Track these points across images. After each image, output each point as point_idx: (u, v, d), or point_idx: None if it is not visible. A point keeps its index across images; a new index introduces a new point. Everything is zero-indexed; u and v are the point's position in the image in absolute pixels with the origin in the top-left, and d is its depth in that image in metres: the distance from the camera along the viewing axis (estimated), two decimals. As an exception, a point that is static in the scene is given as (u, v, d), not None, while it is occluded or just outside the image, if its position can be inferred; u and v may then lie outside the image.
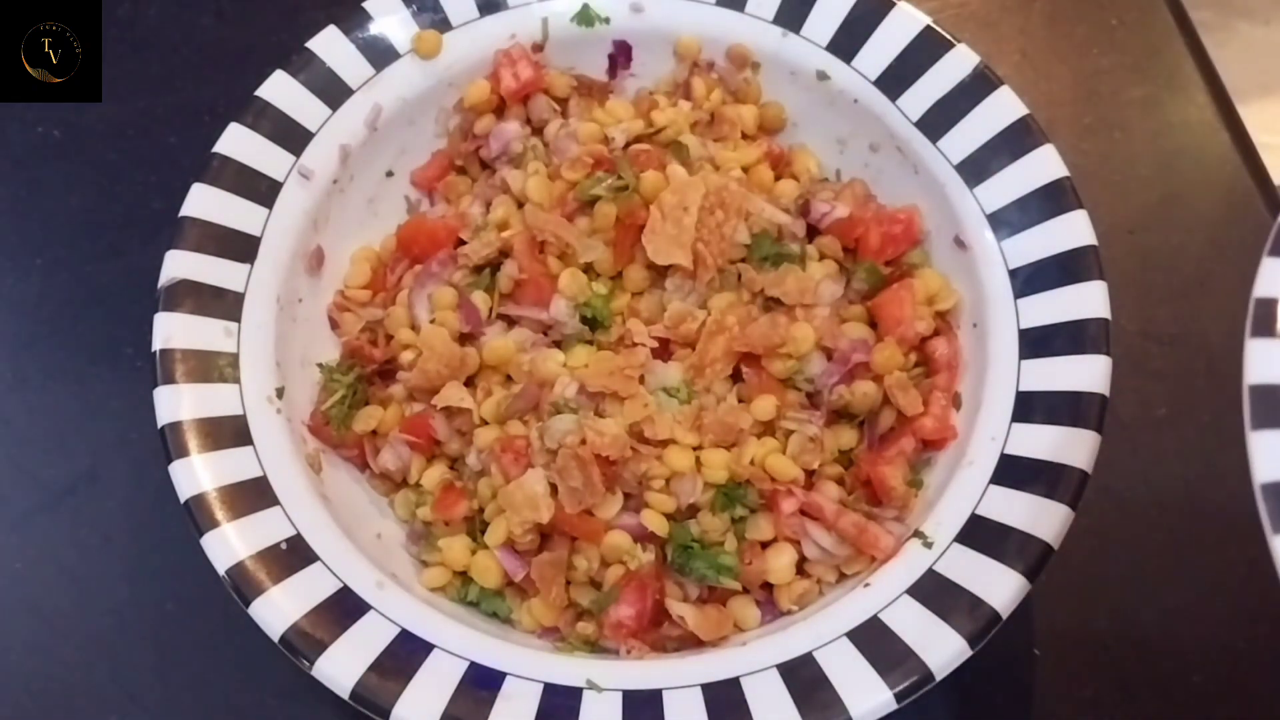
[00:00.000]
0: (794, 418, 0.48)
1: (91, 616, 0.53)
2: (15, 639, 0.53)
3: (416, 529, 0.50)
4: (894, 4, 0.54)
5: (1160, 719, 0.51)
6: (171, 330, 0.47)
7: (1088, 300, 0.47)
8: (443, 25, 0.56)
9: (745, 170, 0.55)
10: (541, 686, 0.42)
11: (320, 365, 0.52)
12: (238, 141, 0.52)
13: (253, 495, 0.45)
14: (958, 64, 0.53)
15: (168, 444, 0.45)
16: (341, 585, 0.44)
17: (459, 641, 0.43)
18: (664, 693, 0.42)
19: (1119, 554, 0.54)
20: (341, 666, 0.42)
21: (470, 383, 0.50)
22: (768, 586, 0.48)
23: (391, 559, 0.49)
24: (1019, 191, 0.50)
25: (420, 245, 0.54)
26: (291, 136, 0.53)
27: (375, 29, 0.55)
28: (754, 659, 0.43)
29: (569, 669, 0.43)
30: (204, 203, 0.50)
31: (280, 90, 0.53)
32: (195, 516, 0.44)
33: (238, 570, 0.43)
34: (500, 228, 0.53)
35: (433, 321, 0.52)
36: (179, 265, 0.49)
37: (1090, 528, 0.53)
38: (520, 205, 0.54)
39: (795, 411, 0.49)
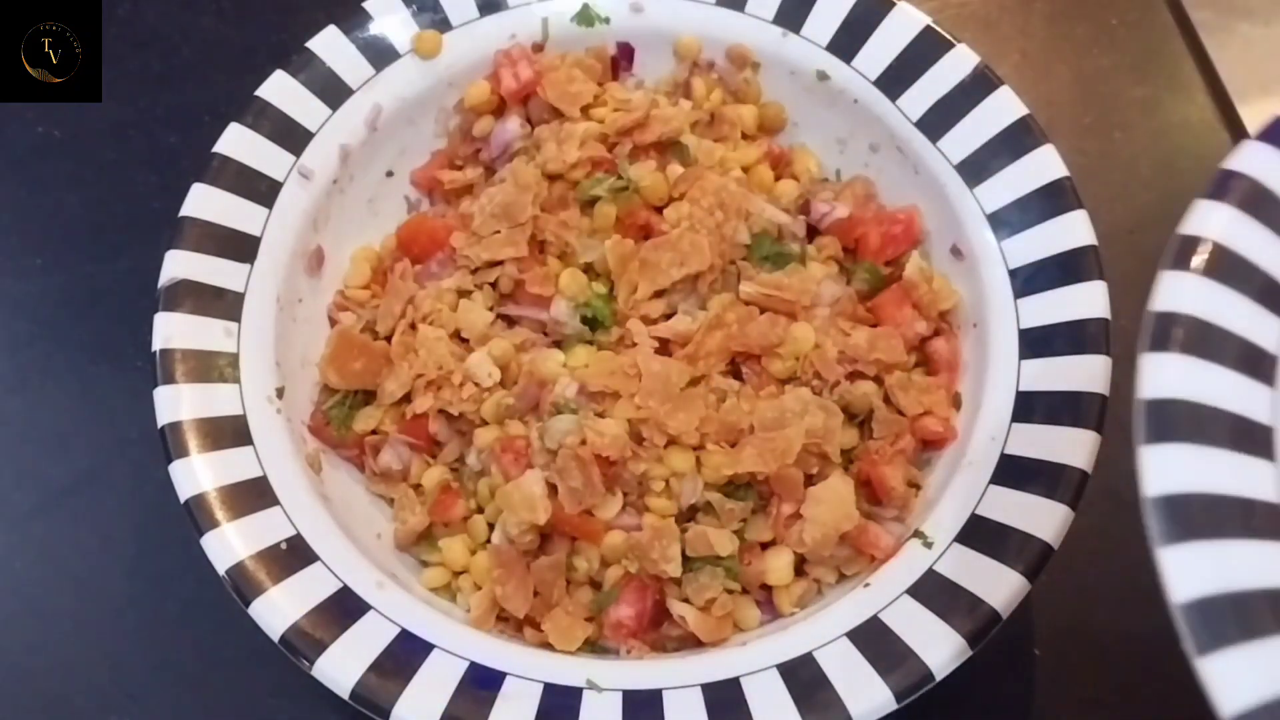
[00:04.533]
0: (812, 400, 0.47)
1: (91, 616, 0.53)
2: (15, 639, 0.53)
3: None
4: (894, 4, 0.54)
5: (1160, 719, 0.51)
6: (171, 330, 0.47)
7: (1088, 300, 0.47)
8: (443, 25, 0.56)
9: (745, 170, 0.55)
10: (541, 686, 0.42)
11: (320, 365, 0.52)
12: (238, 141, 0.52)
13: (253, 495, 0.45)
14: (958, 64, 0.52)
15: (168, 444, 0.45)
16: (341, 585, 0.44)
17: (459, 641, 0.43)
18: (664, 693, 0.42)
19: (1119, 554, 0.54)
20: (341, 666, 0.42)
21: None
22: (767, 587, 0.48)
23: (391, 559, 0.49)
24: (1019, 191, 0.50)
25: (420, 245, 0.54)
26: (291, 136, 0.53)
27: (375, 29, 0.55)
28: (754, 659, 0.43)
29: (569, 669, 0.43)
30: (204, 203, 0.50)
31: (280, 90, 0.53)
32: (195, 516, 0.44)
33: (238, 570, 0.43)
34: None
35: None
36: (179, 265, 0.49)
37: (1090, 528, 0.53)
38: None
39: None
